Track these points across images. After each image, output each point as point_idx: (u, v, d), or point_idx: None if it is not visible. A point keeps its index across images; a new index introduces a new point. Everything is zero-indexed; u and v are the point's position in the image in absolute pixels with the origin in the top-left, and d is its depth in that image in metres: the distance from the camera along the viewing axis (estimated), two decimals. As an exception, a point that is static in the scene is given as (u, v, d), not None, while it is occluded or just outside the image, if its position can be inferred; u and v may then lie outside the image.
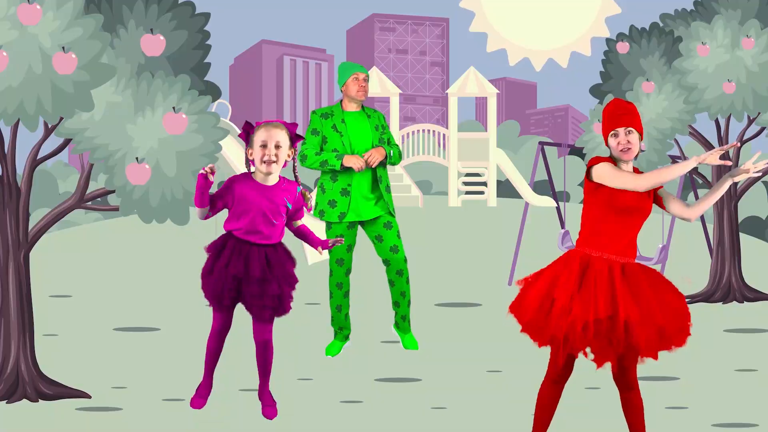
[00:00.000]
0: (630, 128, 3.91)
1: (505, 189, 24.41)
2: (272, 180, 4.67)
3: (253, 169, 4.69)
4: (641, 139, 3.95)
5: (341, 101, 6.42)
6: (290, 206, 4.75)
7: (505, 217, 16.53)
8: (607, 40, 9.11)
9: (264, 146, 4.56)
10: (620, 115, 3.93)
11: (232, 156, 13.68)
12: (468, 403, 5.28)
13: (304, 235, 4.95)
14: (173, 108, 5.07)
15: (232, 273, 4.63)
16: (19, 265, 5.38)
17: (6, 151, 5.33)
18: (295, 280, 4.81)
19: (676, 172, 3.80)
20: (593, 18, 9.42)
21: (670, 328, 3.82)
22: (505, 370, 6.00)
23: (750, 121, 8.83)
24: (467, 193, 22.16)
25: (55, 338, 7.13)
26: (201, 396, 5.00)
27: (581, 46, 9.43)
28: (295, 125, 4.68)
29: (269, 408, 4.99)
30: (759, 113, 8.33)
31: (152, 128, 5.10)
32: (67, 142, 5.32)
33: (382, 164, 6.34)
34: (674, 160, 8.86)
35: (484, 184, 21.87)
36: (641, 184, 3.81)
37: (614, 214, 3.89)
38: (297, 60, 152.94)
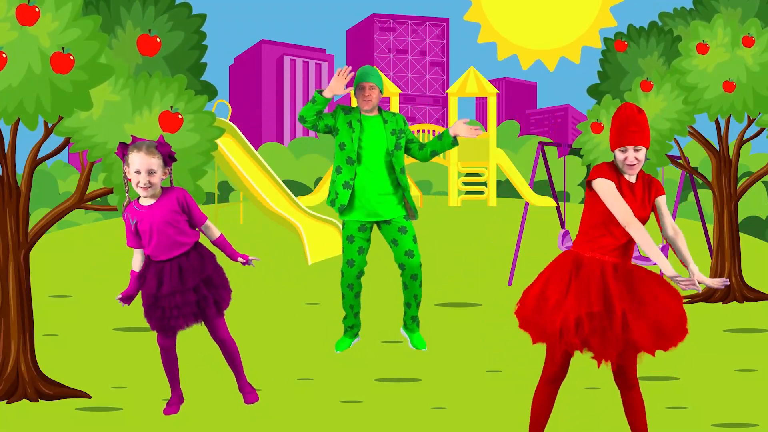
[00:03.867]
0: (639, 147, 3.96)
1: (505, 189, 24.44)
2: (155, 196, 4.73)
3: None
4: (648, 148, 4.01)
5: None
6: (182, 211, 4.78)
7: (505, 217, 16.55)
8: (605, 39, 9.10)
9: (138, 173, 4.63)
10: (633, 132, 3.96)
11: (232, 156, 13.70)
12: (468, 403, 5.28)
13: (222, 247, 4.92)
14: (171, 107, 5.08)
15: (149, 292, 4.76)
16: (19, 265, 5.38)
17: (6, 151, 5.34)
18: (219, 274, 4.86)
19: (650, 252, 3.86)
20: (598, 9, 9.39)
21: (667, 326, 3.85)
22: (505, 370, 6.00)
23: (750, 122, 8.82)
24: (467, 193, 22.15)
25: (55, 338, 7.13)
26: (172, 405, 5.07)
27: (591, 39, 9.40)
28: (167, 146, 4.70)
29: (249, 395, 5.08)
30: (759, 113, 8.31)
31: (149, 127, 5.11)
32: (66, 141, 5.33)
33: (402, 170, 6.34)
34: (674, 160, 8.86)
35: (484, 184, 21.86)
36: (627, 226, 3.86)
37: (611, 224, 3.95)
38: (297, 60, 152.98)
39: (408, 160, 22.20)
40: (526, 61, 9.41)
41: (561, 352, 3.93)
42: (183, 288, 4.74)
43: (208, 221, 4.85)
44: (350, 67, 6.08)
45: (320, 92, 6.12)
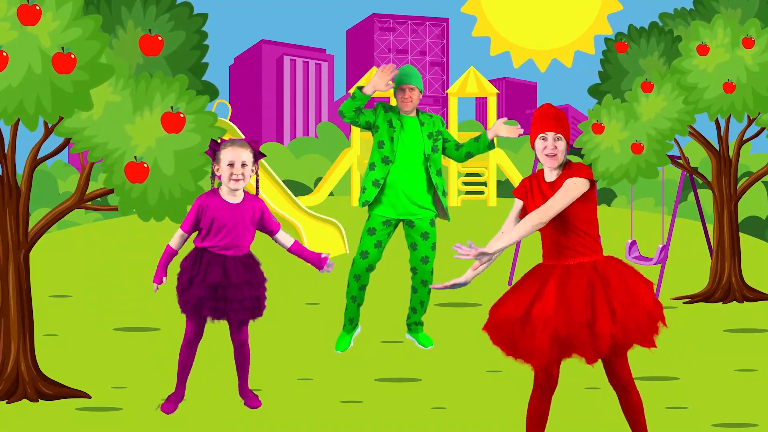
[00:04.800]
0: (560, 135, 3.93)
1: (505, 189, 24.41)
2: (239, 196, 4.89)
3: (218, 183, 4.94)
4: (567, 151, 3.98)
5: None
6: (256, 222, 4.97)
7: (505, 217, 16.51)
8: (606, 39, 9.10)
9: (231, 165, 4.78)
10: (553, 119, 3.95)
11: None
12: (468, 403, 5.28)
13: (299, 254, 5.07)
14: (171, 107, 5.08)
15: (211, 282, 4.81)
16: (19, 265, 5.38)
17: (6, 151, 5.34)
18: (264, 280, 5.04)
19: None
20: (595, 16, 9.40)
21: (628, 325, 3.77)
22: (505, 370, 5.99)
23: (750, 121, 8.82)
24: (467, 193, 22.14)
25: (55, 338, 7.13)
26: (171, 402, 5.07)
27: (585, 44, 9.40)
28: (257, 143, 4.90)
29: (251, 399, 5.12)
30: (759, 113, 8.31)
31: (150, 127, 5.10)
32: (66, 141, 5.33)
33: (439, 172, 6.35)
34: (674, 160, 8.85)
35: (484, 184, 21.85)
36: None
37: (542, 231, 4.01)
38: (297, 60, 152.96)
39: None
40: (518, 59, 9.42)
41: (513, 356, 3.97)
42: (247, 281, 4.86)
43: (282, 231, 5.01)
44: (394, 65, 6.20)
45: (360, 89, 6.16)
